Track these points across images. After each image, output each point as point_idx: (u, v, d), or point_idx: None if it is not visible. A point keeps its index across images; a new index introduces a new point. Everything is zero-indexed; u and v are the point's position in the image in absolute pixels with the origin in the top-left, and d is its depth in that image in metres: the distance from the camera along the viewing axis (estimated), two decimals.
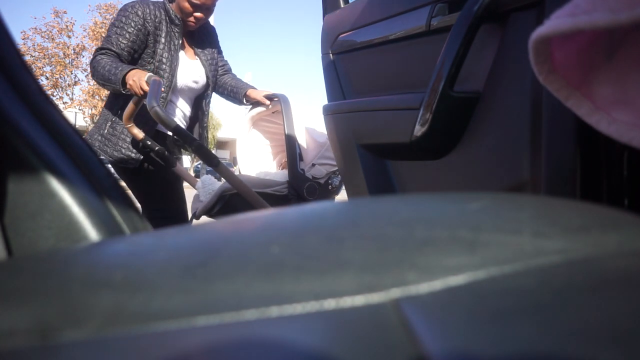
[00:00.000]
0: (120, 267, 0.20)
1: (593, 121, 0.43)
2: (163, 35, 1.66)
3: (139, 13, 1.62)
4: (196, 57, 1.81)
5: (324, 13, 1.29)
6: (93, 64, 1.60)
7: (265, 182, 1.76)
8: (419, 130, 0.87)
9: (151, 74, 1.51)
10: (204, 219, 1.82)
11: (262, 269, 0.18)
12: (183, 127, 1.76)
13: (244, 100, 1.92)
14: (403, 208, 0.24)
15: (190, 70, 1.76)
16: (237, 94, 1.91)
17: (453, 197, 0.26)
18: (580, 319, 0.15)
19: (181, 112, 1.80)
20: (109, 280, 0.18)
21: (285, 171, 1.80)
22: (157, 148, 1.67)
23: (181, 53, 1.74)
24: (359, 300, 0.16)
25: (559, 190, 0.65)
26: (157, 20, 1.65)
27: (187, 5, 1.64)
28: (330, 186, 1.87)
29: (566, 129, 0.63)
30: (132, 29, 1.61)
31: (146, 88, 1.47)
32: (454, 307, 0.15)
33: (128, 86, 1.52)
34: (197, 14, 1.67)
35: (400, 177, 1.01)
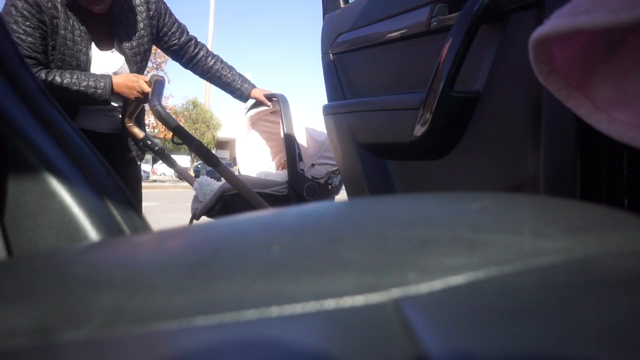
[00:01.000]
0: (120, 267, 0.20)
1: (593, 121, 0.43)
2: (62, 25, 1.32)
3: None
4: (113, 45, 1.46)
5: (324, 13, 1.29)
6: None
7: (264, 183, 1.76)
8: (419, 130, 0.87)
9: (154, 72, 1.48)
10: (204, 219, 1.82)
11: (262, 269, 0.18)
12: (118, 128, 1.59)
13: (246, 101, 1.89)
14: (403, 208, 0.24)
15: (103, 64, 1.44)
16: (236, 93, 1.81)
17: (453, 197, 0.26)
18: (580, 319, 0.15)
19: (116, 111, 1.57)
20: (109, 280, 0.18)
21: (285, 171, 1.80)
22: (156, 148, 1.66)
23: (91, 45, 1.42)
24: (359, 300, 0.16)
25: (559, 190, 0.65)
26: (50, 5, 1.30)
27: None
28: (330, 186, 1.87)
29: (566, 129, 0.63)
30: (31, 22, 1.28)
31: (147, 89, 1.43)
32: (454, 307, 0.15)
33: (117, 92, 1.40)
34: None
35: (400, 177, 1.01)
